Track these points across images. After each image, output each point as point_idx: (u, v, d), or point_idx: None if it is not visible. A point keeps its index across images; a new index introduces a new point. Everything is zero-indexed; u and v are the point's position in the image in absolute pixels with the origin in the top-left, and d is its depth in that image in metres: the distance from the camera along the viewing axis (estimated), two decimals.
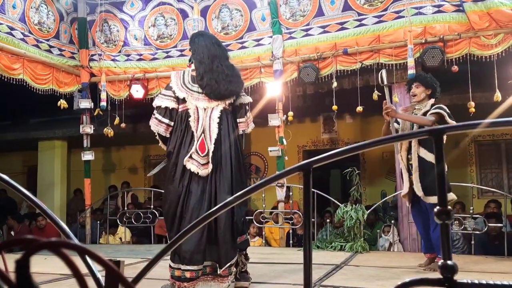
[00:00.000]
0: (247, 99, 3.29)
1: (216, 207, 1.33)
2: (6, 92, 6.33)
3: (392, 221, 5.78)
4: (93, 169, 7.25)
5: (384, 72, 4.02)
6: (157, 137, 3.22)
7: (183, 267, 2.94)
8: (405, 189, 3.99)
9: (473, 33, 5.44)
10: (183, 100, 3.10)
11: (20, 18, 5.88)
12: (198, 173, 2.98)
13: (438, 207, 1.05)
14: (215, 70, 3.07)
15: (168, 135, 3.12)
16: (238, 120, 3.23)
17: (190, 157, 3.00)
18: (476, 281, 0.98)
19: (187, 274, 2.93)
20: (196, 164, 2.99)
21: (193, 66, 3.20)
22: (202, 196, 2.99)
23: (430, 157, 3.71)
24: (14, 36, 5.76)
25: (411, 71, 5.44)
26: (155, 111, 3.14)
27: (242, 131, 3.25)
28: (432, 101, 3.94)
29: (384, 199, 6.59)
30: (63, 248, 0.58)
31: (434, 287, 1.02)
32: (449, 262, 1.01)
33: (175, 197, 3.01)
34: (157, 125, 3.11)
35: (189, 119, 3.06)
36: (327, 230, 5.61)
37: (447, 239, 1.06)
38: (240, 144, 3.19)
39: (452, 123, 3.75)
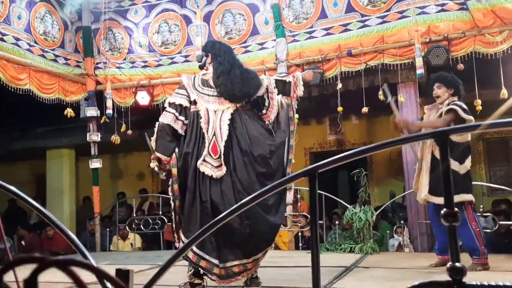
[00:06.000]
0: (261, 90, 3.25)
1: (226, 212, 1.33)
2: (13, 101, 6.39)
3: (402, 222, 5.75)
4: (101, 176, 7.28)
5: (385, 87, 4.00)
6: (157, 134, 3.14)
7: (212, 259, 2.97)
8: (414, 185, 4.04)
9: (477, 31, 5.40)
10: (194, 102, 3.13)
11: (25, 28, 5.94)
12: (212, 175, 3.00)
13: (444, 209, 1.05)
14: (232, 74, 3.12)
15: (183, 133, 3.13)
16: (260, 115, 3.24)
17: (204, 160, 3.01)
18: (486, 283, 0.98)
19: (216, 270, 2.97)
20: (209, 166, 3.01)
21: (209, 69, 3.23)
22: (214, 199, 3.01)
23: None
24: (20, 46, 5.81)
25: (419, 71, 5.42)
26: (168, 107, 3.15)
27: (268, 123, 3.24)
28: (450, 99, 3.89)
29: (393, 199, 6.56)
30: (71, 266, 0.58)
31: None
32: (457, 264, 1.00)
33: (191, 198, 3.03)
34: (174, 121, 3.10)
35: (200, 120, 3.08)
36: (336, 232, 5.59)
37: (455, 241, 1.05)
38: (265, 140, 3.14)
39: (469, 118, 3.73)
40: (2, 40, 5.57)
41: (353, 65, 5.95)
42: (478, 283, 0.98)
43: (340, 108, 6.02)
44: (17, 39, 5.79)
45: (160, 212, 6.66)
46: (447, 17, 5.56)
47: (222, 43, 3.48)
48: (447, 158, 1.07)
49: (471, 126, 1.05)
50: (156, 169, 3.13)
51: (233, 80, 3.11)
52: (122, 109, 6.86)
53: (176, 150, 3.14)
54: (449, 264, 1.01)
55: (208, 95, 3.15)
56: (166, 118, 3.12)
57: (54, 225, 1.33)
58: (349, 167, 8.98)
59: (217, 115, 3.11)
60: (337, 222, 5.70)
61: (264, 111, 3.26)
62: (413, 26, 5.55)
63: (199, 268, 3.01)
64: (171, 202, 3.13)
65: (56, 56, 6.44)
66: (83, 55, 6.90)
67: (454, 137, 3.76)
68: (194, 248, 2.94)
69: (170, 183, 3.15)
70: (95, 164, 6.82)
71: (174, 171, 3.12)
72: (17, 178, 10.37)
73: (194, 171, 3.05)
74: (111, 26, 6.89)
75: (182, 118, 3.13)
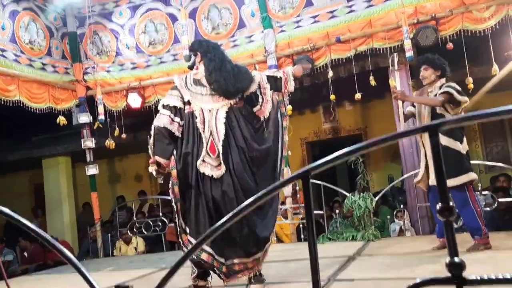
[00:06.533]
0: (254, 85, 3.24)
1: (232, 213, 1.31)
2: (5, 111, 6.28)
3: (402, 206, 5.76)
4: (99, 181, 7.25)
5: (395, 56, 4.01)
6: (154, 138, 3.12)
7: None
8: (419, 176, 4.00)
9: (464, 8, 5.37)
10: (188, 102, 3.12)
11: (10, 39, 5.85)
12: (212, 175, 2.99)
13: (440, 204, 1.03)
14: (223, 69, 3.10)
15: (179, 135, 3.11)
16: (254, 110, 3.23)
17: (203, 160, 3.01)
18: (485, 276, 0.97)
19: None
20: (209, 166, 3.00)
21: (199, 68, 3.20)
22: (216, 198, 3.00)
23: (445, 140, 3.68)
24: (6, 57, 5.74)
25: (409, 53, 5.40)
26: (162, 109, 3.13)
27: (263, 118, 3.23)
28: (440, 82, 3.91)
29: (392, 184, 6.56)
30: None
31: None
32: (456, 259, 0.99)
33: (194, 199, 3.03)
34: (170, 123, 3.08)
35: (196, 121, 3.06)
36: (337, 221, 5.60)
37: (452, 235, 1.04)
38: (254, 144, 3.14)
39: (464, 99, 3.75)
40: None
41: (343, 52, 5.91)
42: (479, 277, 0.96)
43: (332, 97, 5.99)
44: (3, 50, 5.72)
45: (161, 214, 6.65)
46: None
47: (208, 40, 3.53)
48: (439, 153, 1.05)
49: (465, 118, 1.03)
50: (154, 173, 3.11)
51: (226, 75, 3.09)
52: (115, 113, 6.81)
53: (174, 152, 3.13)
54: (447, 259, 0.99)
55: (202, 94, 3.13)
56: (161, 120, 3.10)
57: (45, 241, 1.31)
58: None
59: (212, 114, 3.10)
60: (337, 211, 5.70)
61: (258, 107, 3.25)
62: (400, 8, 5.51)
63: (214, 268, 3.02)
64: (173, 204, 3.12)
65: (44, 64, 6.36)
66: (71, 61, 6.82)
67: (450, 118, 3.77)
68: (208, 249, 2.95)
69: (170, 185, 3.13)
70: (92, 170, 6.78)
71: (174, 173, 3.11)
72: (16, 188, 10.37)
73: (196, 171, 3.04)
74: (97, 30, 6.81)
75: (177, 119, 3.12)
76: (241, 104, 3.21)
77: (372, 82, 5.73)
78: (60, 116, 6.41)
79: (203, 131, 3.06)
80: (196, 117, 3.08)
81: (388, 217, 5.88)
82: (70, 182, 9.12)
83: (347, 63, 6.06)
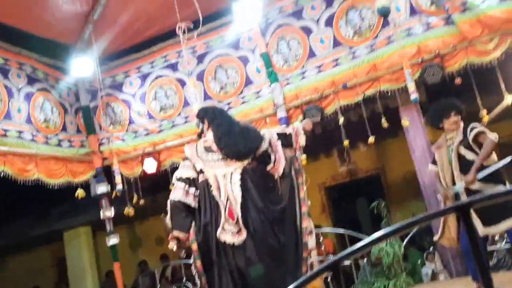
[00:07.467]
0: (265, 144, 3.24)
1: None
2: (23, 187, 6.32)
3: (431, 248, 5.56)
4: (120, 247, 7.17)
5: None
6: (171, 212, 3.13)
7: None
8: (440, 231, 3.83)
9: (468, 43, 5.39)
10: (201, 171, 3.13)
11: (26, 120, 6.00)
12: (234, 243, 2.95)
13: None
14: (232, 133, 3.14)
15: (196, 206, 3.10)
16: (267, 169, 3.20)
17: (223, 228, 2.97)
18: None
19: None
20: (230, 234, 2.96)
21: (207, 135, 3.24)
22: (241, 267, 2.94)
23: (484, 187, 3.55)
24: (23, 138, 5.85)
25: (413, 96, 5.39)
26: (177, 182, 3.14)
27: (277, 176, 3.20)
28: (461, 126, 3.86)
29: (418, 226, 6.37)
30: None
31: None
32: None
33: (217, 271, 2.97)
34: (185, 195, 3.08)
35: (211, 189, 3.06)
36: (365, 270, 5.42)
37: None
38: (275, 196, 3.12)
39: (495, 135, 3.66)
40: (5, 136, 5.61)
41: (351, 97, 5.93)
42: None
43: (346, 142, 5.96)
44: (20, 132, 5.84)
45: (184, 277, 6.52)
46: (435, 34, 5.56)
47: (214, 107, 3.60)
48: (472, 232, 1.01)
49: (498, 195, 0.99)
50: (175, 248, 3.08)
51: (236, 138, 3.12)
52: (132, 180, 6.84)
53: (193, 224, 3.11)
54: None
55: (214, 160, 3.16)
56: (176, 194, 3.12)
57: None
58: (367, 193, 8.86)
59: (226, 178, 3.10)
60: (365, 259, 5.52)
61: (271, 165, 3.25)
62: (400, 50, 5.54)
63: None
64: (197, 280, 3.06)
65: (60, 140, 6.46)
66: (86, 134, 6.92)
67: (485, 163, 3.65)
68: None
69: (192, 260, 3.10)
70: (113, 240, 6.71)
71: (194, 246, 3.08)
72: (39, 264, 10.32)
73: (216, 242, 3.01)
74: (109, 101, 6.98)
75: (192, 190, 3.13)
76: (254, 164, 3.21)
77: (385, 124, 5.71)
78: (79, 189, 6.43)
79: (219, 197, 3.05)
80: (211, 186, 3.09)
81: (419, 260, 5.67)
82: (92, 253, 9.07)
83: (356, 107, 6.07)
